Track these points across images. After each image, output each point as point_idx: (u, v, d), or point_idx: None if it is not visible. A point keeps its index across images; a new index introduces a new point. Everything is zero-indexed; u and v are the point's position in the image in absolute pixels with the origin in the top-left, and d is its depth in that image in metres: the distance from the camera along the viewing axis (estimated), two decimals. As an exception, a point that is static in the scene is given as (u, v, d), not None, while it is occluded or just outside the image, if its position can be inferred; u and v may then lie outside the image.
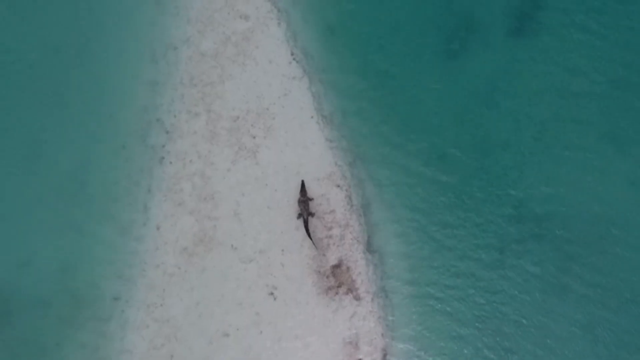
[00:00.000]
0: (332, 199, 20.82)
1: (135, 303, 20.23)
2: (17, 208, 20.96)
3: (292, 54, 21.92)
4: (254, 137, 21.34)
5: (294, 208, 20.65)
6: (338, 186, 20.97)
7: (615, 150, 21.17)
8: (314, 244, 20.28)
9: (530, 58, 21.70)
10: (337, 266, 20.40)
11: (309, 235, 20.21)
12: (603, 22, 21.70)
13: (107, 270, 20.55)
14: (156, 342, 19.89)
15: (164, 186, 21.05)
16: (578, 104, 21.39)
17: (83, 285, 20.44)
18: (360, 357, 19.70)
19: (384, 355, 19.78)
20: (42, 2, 22.34)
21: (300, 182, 20.63)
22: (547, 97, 21.50)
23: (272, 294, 20.27)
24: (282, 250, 20.47)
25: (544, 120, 21.35)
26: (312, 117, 21.54)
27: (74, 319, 20.20)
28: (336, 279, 20.32)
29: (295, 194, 20.66)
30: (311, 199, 20.50)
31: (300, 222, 20.31)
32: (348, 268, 20.45)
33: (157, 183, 21.11)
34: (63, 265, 20.53)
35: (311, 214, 20.28)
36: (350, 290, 20.30)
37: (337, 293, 20.24)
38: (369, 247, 20.67)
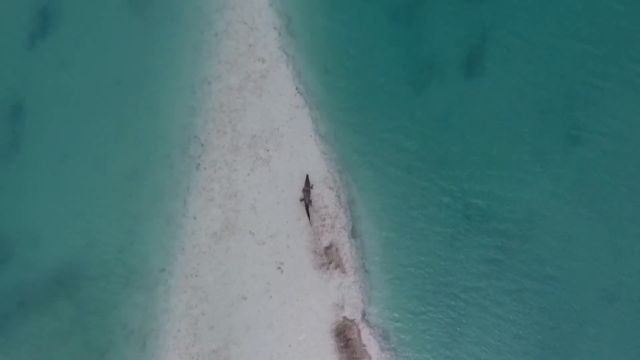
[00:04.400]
0: (325, 197, 25.05)
1: (176, 274, 24.35)
2: (85, 201, 25.22)
3: (296, 88, 25.95)
4: (268, 150, 25.51)
5: (298, 197, 24.68)
6: (330, 188, 25.14)
7: (541, 166, 25.57)
8: (310, 221, 24.42)
9: (477, 93, 26.28)
10: (328, 247, 24.58)
11: (308, 214, 24.46)
12: (531, 68, 26.48)
13: (155, 249, 24.64)
14: (191, 303, 24.17)
15: (199, 186, 25.09)
16: (512, 128, 25.90)
17: (136, 260, 24.65)
18: (345, 315, 24.00)
19: (363, 315, 24.06)
20: (107, 47, 26.69)
21: (305, 176, 24.78)
22: (489, 122, 26.03)
23: (279, 268, 24.41)
24: (288, 235, 24.76)
25: (488, 140, 25.89)
26: (311, 136, 25.65)
27: (129, 286, 24.34)
28: (328, 257, 24.49)
29: (298, 192, 24.74)
30: (312, 187, 24.54)
31: (302, 207, 24.58)
32: (337, 249, 24.57)
33: (194, 183, 25.12)
34: (121, 246, 24.73)
35: (310, 202, 24.54)
36: (338, 266, 24.36)
37: (328, 268, 24.37)
38: (353, 234, 24.87)
